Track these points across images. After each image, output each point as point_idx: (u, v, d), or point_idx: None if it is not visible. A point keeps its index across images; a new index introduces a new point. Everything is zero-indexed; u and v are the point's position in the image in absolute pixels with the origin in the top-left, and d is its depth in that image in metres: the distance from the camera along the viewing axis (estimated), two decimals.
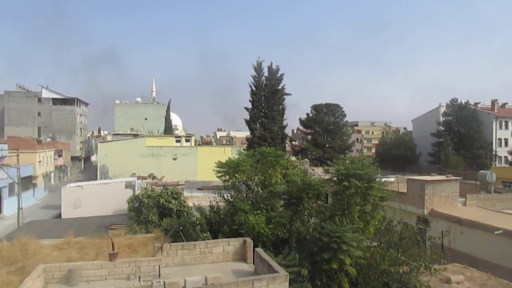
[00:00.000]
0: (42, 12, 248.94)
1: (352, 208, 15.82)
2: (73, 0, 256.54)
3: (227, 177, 17.57)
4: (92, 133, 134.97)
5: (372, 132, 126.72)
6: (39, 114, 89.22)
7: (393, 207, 20.79)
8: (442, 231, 19.82)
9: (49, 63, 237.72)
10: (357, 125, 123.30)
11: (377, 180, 16.36)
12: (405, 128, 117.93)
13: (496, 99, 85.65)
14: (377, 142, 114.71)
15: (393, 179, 33.21)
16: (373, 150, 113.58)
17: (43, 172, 62.01)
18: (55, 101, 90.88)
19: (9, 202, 45.74)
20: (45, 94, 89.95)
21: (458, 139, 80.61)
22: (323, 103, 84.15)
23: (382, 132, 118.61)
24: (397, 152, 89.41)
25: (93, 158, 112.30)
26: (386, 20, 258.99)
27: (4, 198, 46.69)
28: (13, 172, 38.97)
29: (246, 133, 69.48)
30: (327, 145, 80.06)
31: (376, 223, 16.07)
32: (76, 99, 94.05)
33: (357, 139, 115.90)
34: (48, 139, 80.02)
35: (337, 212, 15.88)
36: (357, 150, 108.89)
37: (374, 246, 15.12)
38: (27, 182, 51.91)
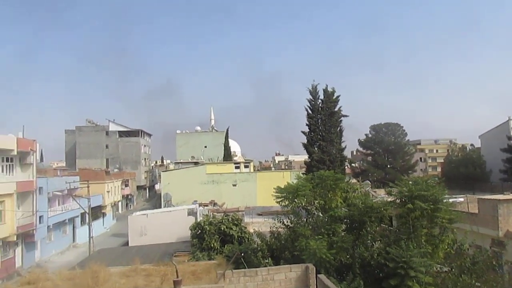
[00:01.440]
0: (106, 49, 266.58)
1: (418, 231, 15.11)
2: (133, 34, 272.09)
3: (287, 202, 17.47)
4: (156, 162, 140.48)
5: (437, 150, 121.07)
6: (106, 146, 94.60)
7: (463, 229, 19.57)
8: None
9: (114, 97, 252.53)
10: (419, 144, 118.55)
11: (444, 201, 15.56)
12: (472, 145, 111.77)
13: None
14: (442, 161, 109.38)
15: (462, 199, 31.39)
16: (439, 169, 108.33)
17: (111, 201, 65.16)
18: (121, 134, 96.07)
19: (81, 231, 48.41)
20: (112, 127, 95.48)
21: None
22: (382, 123, 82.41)
23: (447, 150, 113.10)
24: (464, 171, 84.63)
25: (157, 186, 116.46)
26: (447, 35, 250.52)
27: (76, 227, 49.51)
28: (84, 202, 41.32)
29: (304, 156, 68.95)
30: (388, 166, 77.78)
31: (446, 246, 15.18)
32: (140, 131, 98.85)
33: (421, 158, 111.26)
34: (115, 170, 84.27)
35: (403, 236, 15.23)
36: (421, 169, 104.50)
37: (445, 271, 14.29)
38: (97, 211, 54.73)
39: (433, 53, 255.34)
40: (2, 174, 34.54)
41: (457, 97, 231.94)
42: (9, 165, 35.67)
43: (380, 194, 43.71)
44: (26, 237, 37.54)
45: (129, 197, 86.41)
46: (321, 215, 17.81)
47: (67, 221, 46.77)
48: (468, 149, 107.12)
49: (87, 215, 40.86)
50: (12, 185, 34.73)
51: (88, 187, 42.79)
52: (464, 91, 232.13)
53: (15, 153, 35.17)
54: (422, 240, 14.94)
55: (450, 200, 17.23)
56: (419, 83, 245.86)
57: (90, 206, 40.62)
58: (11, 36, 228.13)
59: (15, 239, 35.09)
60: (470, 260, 14.22)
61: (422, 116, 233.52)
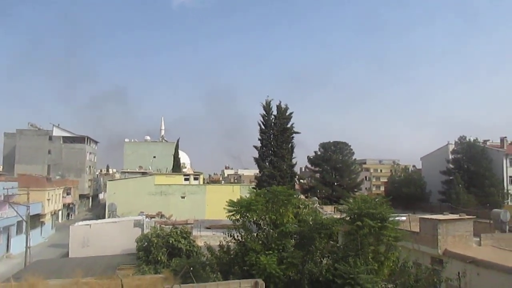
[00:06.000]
0: (53, 52, 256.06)
1: (365, 248, 15.52)
2: (82, 41, 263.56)
3: (238, 216, 17.40)
4: (101, 171, 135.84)
5: (381, 170, 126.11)
6: (49, 152, 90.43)
7: (407, 247, 20.34)
8: (459, 273, 19.27)
9: (60, 103, 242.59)
10: (365, 163, 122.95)
11: (391, 219, 16.11)
12: (414, 166, 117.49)
13: (505, 137, 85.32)
14: (385, 180, 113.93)
15: (404, 218, 32.65)
16: (382, 188, 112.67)
17: (51, 210, 61.96)
18: (66, 139, 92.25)
19: (16, 240, 45.53)
20: (56, 132, 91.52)
21: (469, 177, 79.75)
22: (331, 141, 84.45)
23: (391, 170, 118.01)
24: (406, 191, 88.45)
25: (101, 196, 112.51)
26: (393, 57, 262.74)
27: (12, 236, 46.51)
28: (22, 210, 39.05)
29: (254, 171, 69.26)
30: (335, 184, 79.64)
31: (391, 264, 15.68)
32: (86, 137, 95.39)
33: (366, 177, 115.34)
34: (57, 177, 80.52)
35: (350, 252, 15.57)
36: (366, 188, 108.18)
37: None
38: (35, 220, 51.84)
39: (377, 76, 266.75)
40: None
41: (401, 120, 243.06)
42: None
43: (327, 211, 44.66)
44: None
45: (71, 206, 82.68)
46: (271, 230, 17.86)
47: (1, 229, 43.85)
48: (410, 170, 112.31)
49: (24, 224, 38.59)
50: None
51: (28, 194, 40.59)
52: (407, 114, 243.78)
53: None
54: (369, 257, 15.34)
55: (395, 218, 17.87)
56: (364, 104, 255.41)
57: (28, 214, 38.39)
58: None
59: None
60: (413, 277, 14.74)
61: (368, 137, 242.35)
